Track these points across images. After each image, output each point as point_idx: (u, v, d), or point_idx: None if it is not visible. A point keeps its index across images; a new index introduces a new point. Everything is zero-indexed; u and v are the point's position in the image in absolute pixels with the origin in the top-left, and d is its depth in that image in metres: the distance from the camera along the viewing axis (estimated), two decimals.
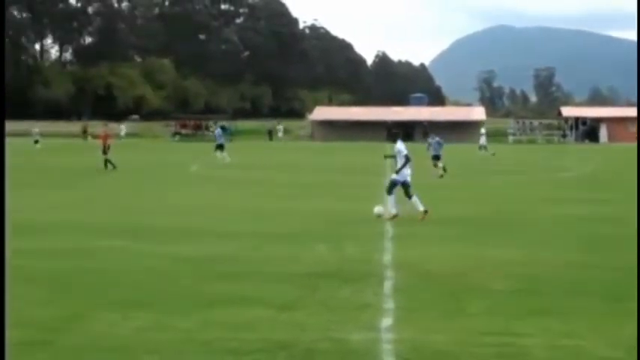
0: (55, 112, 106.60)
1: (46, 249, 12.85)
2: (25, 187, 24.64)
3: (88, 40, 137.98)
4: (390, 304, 9.09)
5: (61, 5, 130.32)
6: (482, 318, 8.49)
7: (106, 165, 33.17)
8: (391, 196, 17.01)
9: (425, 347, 7.45)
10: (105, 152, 33.76)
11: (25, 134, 75.42)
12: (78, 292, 9.73)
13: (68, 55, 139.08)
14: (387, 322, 8.30)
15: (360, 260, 11.98)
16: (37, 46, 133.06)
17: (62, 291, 9.78)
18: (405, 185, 17.05)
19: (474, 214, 18.19)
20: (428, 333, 7.88)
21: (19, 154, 45.48)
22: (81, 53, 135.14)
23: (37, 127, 63.62)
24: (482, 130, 55.79)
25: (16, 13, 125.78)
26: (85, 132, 78.61)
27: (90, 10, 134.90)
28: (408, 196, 17.02)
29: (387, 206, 16.98)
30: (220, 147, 41.47)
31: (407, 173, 17.12)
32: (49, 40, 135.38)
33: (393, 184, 17.08)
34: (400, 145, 17.18)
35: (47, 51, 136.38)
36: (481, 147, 51.41)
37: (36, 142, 59.68)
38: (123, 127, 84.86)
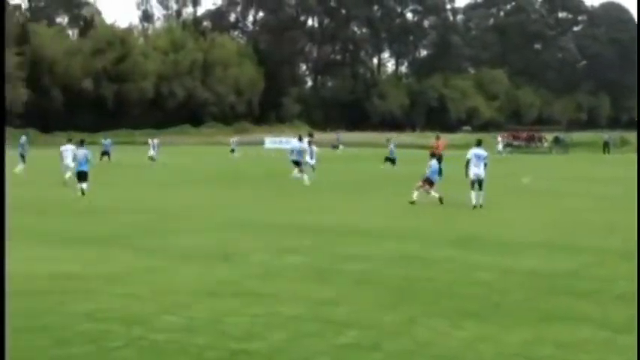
0: (389, 123, 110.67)
1: (383, 255, 13.33)
2: (348, 192, 25.85)
3: (423, 53, 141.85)
4: None
5: (398, 20, 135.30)
6: None
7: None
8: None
9: None
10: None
11: (369, 144, 78.66)
12: (412, 298, 10.00)
13: (403, 69, 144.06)
14: None
15: None
16: (375, 60, 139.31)
17: (398, 297, 10.10)
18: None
19: None
20: None
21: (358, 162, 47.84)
22: (416, 66, 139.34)
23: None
24: None
25: (355, 29, 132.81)
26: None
27: (425, 23, 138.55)
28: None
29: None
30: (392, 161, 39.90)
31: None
32: (385, 54, 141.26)
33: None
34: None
35: (384, 64, 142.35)
36: None
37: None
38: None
